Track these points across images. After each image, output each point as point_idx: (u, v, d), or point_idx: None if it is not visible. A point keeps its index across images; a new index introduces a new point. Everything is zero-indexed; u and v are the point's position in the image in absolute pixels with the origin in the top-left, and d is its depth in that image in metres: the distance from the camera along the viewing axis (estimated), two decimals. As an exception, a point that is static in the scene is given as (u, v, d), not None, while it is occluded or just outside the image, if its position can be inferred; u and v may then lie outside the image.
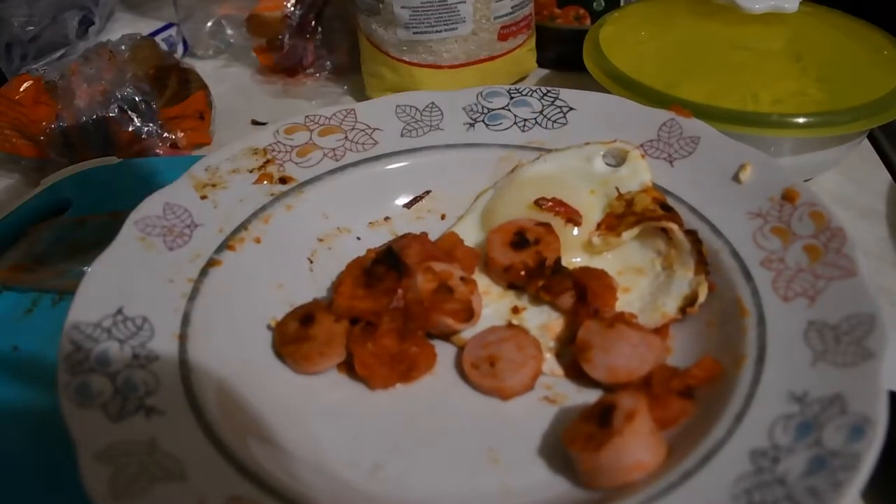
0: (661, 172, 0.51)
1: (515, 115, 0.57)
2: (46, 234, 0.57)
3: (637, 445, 0.36)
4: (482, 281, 0.49)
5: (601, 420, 0.37)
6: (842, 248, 0.41)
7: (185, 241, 0.47)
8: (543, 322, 0.47)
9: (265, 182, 0.51)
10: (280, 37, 0.80)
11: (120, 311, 0.41)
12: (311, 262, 0.51)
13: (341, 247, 0.49)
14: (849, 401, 0.34)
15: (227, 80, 0.84)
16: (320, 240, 0.50)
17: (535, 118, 0.57)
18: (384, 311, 0.45)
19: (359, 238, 0.52)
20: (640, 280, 0.48)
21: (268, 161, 0.52)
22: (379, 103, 0.58)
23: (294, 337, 0.44)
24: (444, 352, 0.46)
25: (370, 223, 0.53)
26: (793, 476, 0.32)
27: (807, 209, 0.44)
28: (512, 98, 0.58)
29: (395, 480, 0.39)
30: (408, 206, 0.55)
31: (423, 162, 0.55)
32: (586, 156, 0.52)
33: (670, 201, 0.49)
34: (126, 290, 0.42)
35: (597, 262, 0.49)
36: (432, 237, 0.50)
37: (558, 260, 0.48)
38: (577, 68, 0.67)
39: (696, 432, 0.37)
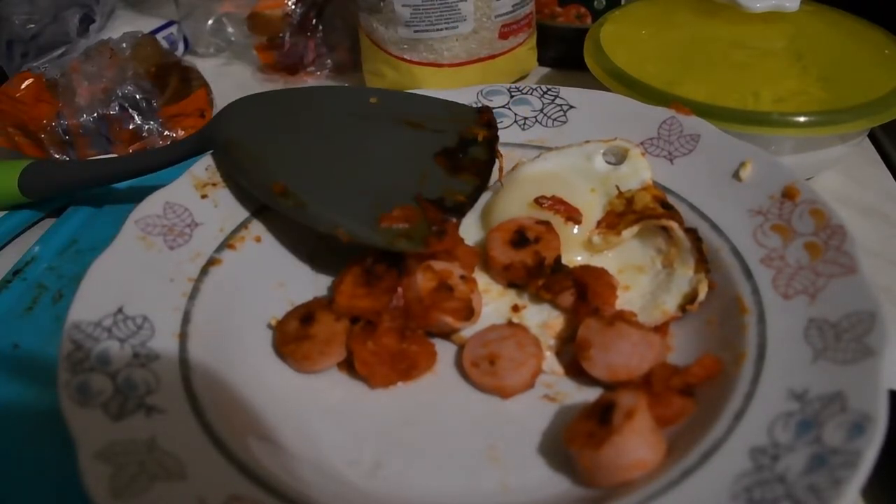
0: (662, 170, 0.51)
1: (516, 114, 0.57)
2: None
3: (637, 443, 0.36)
4: (482, 279, 0.49)
5: (601, 418, 0.37)
6: (842, 246, 0.41)
7: (185, 240, 0.47)
8: (544, 320, 0.47)
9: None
10: (281, 35, 0.81)
11: (120, 311, 0.41)
12: (312, 260, 0.51)
13: (341, 245, 0.49)
14: (849, 398, 0.34)
15: (228, 78, 0.84)
16: (320, 238, 0.50)
17: (535, 116, 0.57)
18: (384, 310, 0.45)
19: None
20: (640, 278, 0.48)
21: (268, 159, 0.52)
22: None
23: (294, 336, 0.44)
24: (445, 350, 0.46)
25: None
26: (793, 474, 0.32)
27: (807, 206, 0.44)
28: (512, 96, 0.58)
29: (395, 479, 0.39)
30: (408, 204, 0.55)
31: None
32: (586, 154, 0.52)
33: (670, 199, 0.49)
34: (126, 289, 0.42)
35: (597, 261, 0.49)
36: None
37: (558, 258, 0.48)
38: (578, 67, 0.67)
39: (696, 430, 0.37)
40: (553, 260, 0.47)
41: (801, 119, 0.54)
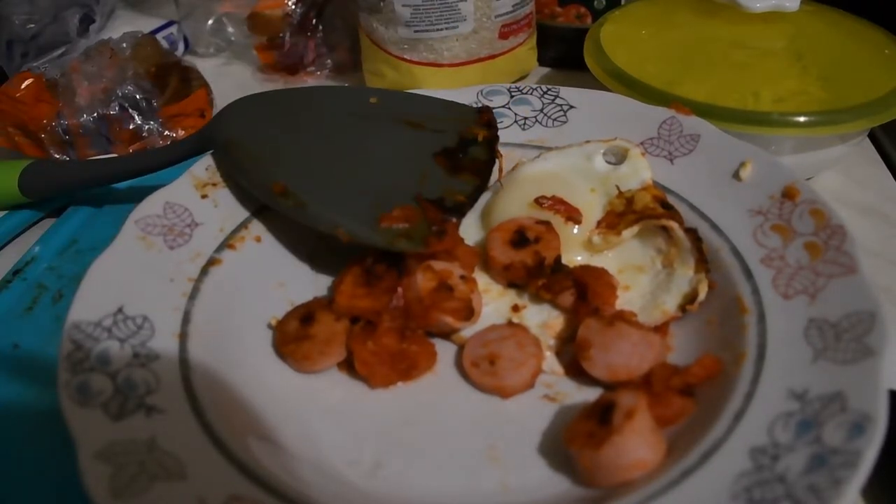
0: (662, 170, 0.51)
1: (516, 114, 0.57)
2: None
3: (637, 443, 0.36)
4: (482, 279, 0.49)
5: (601, 418, 0.37)
6: (842, 246, 0.41)
7: (185, 240, 0.47)
8: (544, 320, 0.47)
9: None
10: (281, 35, 0.81)
11: (120, 310, 0.41)
12: (312, 260, 0.51)
13: (341, 245, 0.49)
14: (849, 398, 0.34)
15: (228, 78, 0.84)
16: (320, 238, 0.50)
17: (535, 116, 0.57)
18: (384, 310, 0.45)
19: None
20: (640, 278, 0.48)
21: (268, 159, 0.52)
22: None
23: (294, 336, 0.44)
24: (445, 350, 0.46)
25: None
26: (793, 474, 0.32)
27: (807, 206, 0.44)
28: (512, 96, 0.58)
29: (395, 479, 0.39)
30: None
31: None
32: (586, 154, 0.52)
33: (670, 199, 0.49)
34: (126, 289, 0.42)
35: (597, 261, 0.49)
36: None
37: (558, 258, 0.48)
38: (578, 67, 0.67)
39: (696, 430, 0.37)
40: (553, 260, 0.47)
41: (801, 119, 0.54)
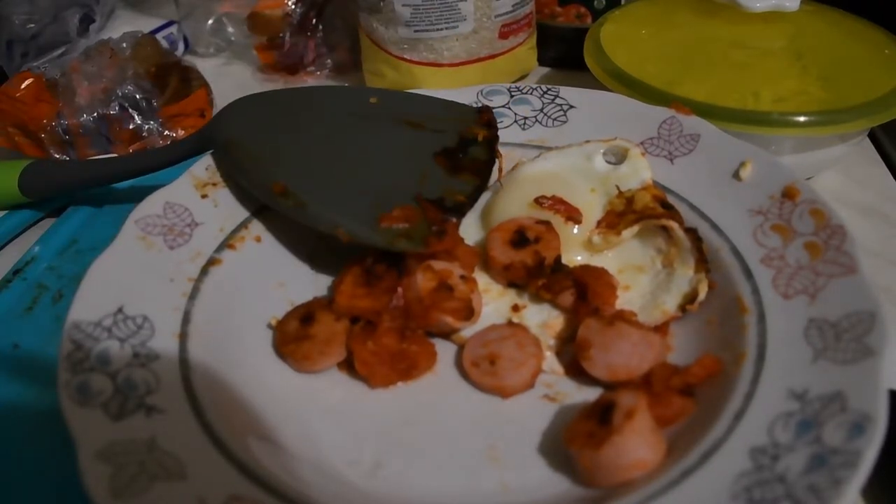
0: (662, 170, 0.51)
1: (516, 114, 0.57)
2: None
3: (637, 443, 0.36)
4: (482, 279, 0.49)
5: (601, 418, 0.37)
6: (842, 246, 0.41)
7: (185, 240, 0.47)
8: (544, 320, 0.47)
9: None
10: (281, 35, 0.81)
11: (120, 310, 0.41)
12: (312, 260, 0.51)
13: (341, 245, 0.49)
14: (849, 398, 0.34)
15: (228, 77, 0.84)
16: (320, 238, 0.50)
17: (535, 116, 0.57)
18: (384, 310, 0.45)
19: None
20: (640, 278, 0.48)
21: (268, 159, 0.52)
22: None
23: (294, 336, 0.44)
24: (445, 350, 0.46)
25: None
26: (793, 474, 0.32)
27: (807, 206, 0.44)
28: (512, 96, 0.58)
29: (395, 479, 0.39)
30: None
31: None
32: (586, 154, 0.52)
33: (670, 199, 0.49)
34: (126, 288, 0.42)
35: (597, 261, 0.49)
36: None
37: (558, 258, 0.48)
38: (578, 66, 0.67)
39: (696, 430, 0.37)
40: (553, 260, 0.47)
41: (801, 119, 0.54)
